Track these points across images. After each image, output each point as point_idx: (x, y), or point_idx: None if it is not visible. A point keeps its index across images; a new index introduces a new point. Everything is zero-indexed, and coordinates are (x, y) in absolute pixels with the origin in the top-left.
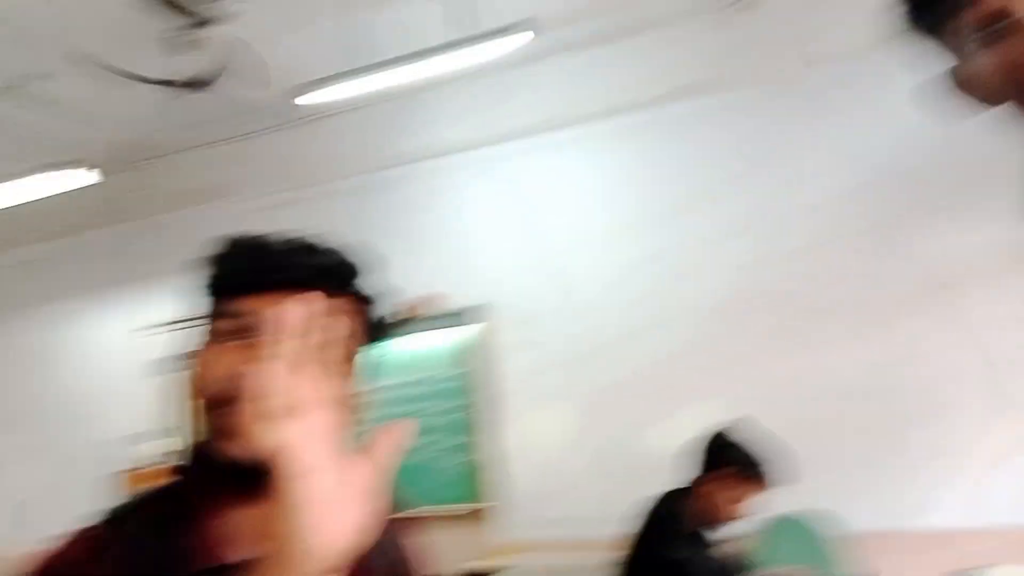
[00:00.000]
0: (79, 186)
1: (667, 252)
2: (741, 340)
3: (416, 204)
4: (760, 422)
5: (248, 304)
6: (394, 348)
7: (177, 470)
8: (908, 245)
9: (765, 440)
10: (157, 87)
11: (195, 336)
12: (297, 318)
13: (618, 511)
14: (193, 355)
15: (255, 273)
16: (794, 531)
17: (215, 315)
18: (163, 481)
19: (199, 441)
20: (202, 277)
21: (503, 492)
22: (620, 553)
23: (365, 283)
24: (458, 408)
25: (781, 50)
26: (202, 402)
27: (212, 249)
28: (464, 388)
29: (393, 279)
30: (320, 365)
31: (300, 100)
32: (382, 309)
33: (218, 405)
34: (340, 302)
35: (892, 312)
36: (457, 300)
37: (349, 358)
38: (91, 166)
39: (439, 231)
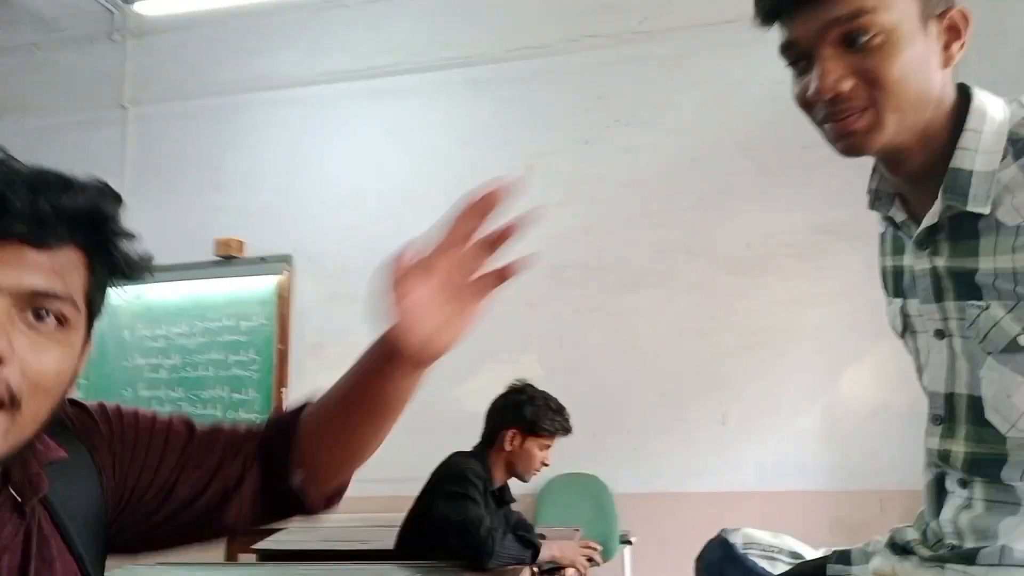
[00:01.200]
0: None
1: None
2: (546, 309)
3: (233, 140)
4: (554, 385)
5: None
6: (187, 292)
7: None
8: (723, 221)
9: (554, 400)
10: None
11: None
12: None
13: (416, 471)
14: None
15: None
16: (571, 491)
17: None
18: None
19: None
20: None
21: None
22: (407, 512)
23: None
24: (250, 361)
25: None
26: None
27: None
28: (259, 340)
29: (200, 217)
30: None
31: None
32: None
33: None
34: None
35: (699, 283)
36: (263, 246)
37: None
38: None
39: (255, 170)
